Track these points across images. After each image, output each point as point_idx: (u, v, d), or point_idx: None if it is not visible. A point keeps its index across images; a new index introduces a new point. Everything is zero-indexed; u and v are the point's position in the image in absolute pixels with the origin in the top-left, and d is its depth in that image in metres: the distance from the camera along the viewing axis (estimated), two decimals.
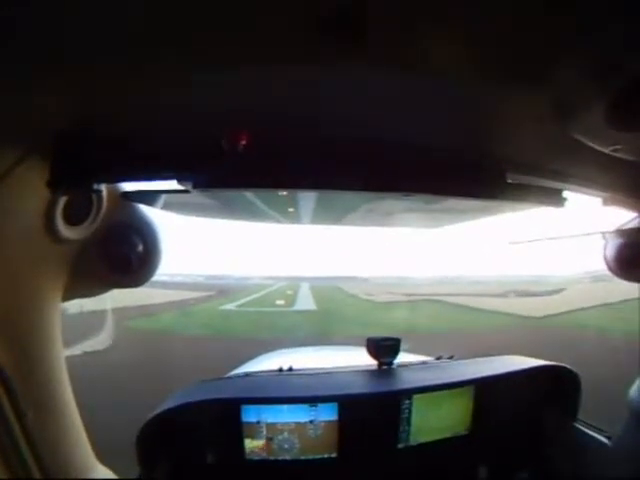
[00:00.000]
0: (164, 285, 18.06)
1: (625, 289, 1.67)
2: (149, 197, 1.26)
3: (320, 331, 12.56)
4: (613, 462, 1.64)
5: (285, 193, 1.44)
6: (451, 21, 0.61)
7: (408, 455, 1.86)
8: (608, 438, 1.76)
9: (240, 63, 0.70)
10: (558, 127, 0.88)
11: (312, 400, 1.78)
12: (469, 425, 1.93)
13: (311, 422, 1.78)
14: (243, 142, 0.90)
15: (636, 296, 1.55)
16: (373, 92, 0.80)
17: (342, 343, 4.53)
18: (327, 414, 1.78)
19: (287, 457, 1.78)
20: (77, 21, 0.58)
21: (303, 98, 0.85)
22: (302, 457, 1.79)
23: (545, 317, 14.44)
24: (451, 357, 2.32)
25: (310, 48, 0.66)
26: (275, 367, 2.13)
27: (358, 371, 2.10)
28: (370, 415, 1.80)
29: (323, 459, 1.80)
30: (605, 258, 1.61)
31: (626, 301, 1.70)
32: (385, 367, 2.12)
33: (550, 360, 2.10)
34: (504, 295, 21.24)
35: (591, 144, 0.88)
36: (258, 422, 1.75)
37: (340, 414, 1.78)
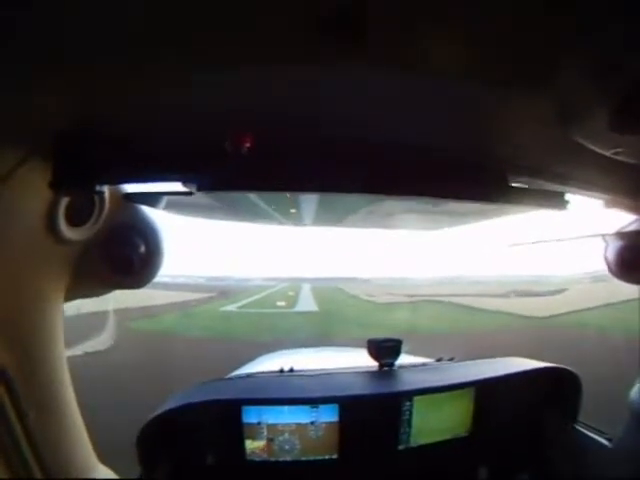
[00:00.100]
0: (165, 286, 18.05)
1: (628, 289, 1.66)
2: (151, 198, 1.26)
3: (321, 332, 12.55)
4: (614, 464, 1.64)
5: (287, 194, 1.44)
6: (451, 21, 0.61)
7: (408, 457, 1.86)
8: (609, 440, 1.76)
9: (240, 63, 0.70)
10: (560, 130, 0.87)
11: (313, 401, 1.78)
12: (470, 427, 1.93)
13: (312, 423, 1.77)
14: (247, 144, 0.90)
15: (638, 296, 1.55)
16: (373, 92, 0.80)
17: (343, 344, 4.52)
18: (328, 415, 1.78)
19: (288, 458, 1.78)
20: (77, 21, 0.58)
21: (303, 98, 0.85)
22: (303, 458, 1.79)
23: (550, 317, 14.40)
24: (452, 359, 2.31)
25: (310, 48, 0.66)
26: (276, 368, 2.13)
27: (359, 372, 2.10)
28: (371, 416, 1.80)
29: (324, 460, 1.80)
30: (606, 260, 1.61)
31: (629, 301, 1.69)
32: (386, 368, 2.11)
33: (557, 361, 2.10)
34: (506, 295, 21.21)
35: (592, 147, 0.88)
36: (259, 423, 1.74)
37: (341, 415, 1.78)
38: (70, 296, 1.23)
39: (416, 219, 2.02)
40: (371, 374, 2.09)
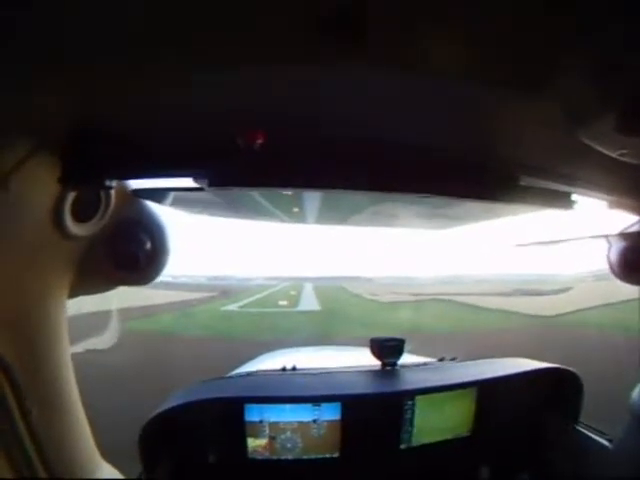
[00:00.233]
0: (167, 286, 18.10)
1: (632, 288, 1.66)
2: (160, 194, 1.25)
3: (323, 332, 12.54)
4: (614, 465, 1.63)
5: (290, 193, 1.44)
6: (451, 21, 0.61)
7: (410, 456, 1.86)
8: (609, 441, 1.76)
9: (240, 63, 0.70)
10: (565, 130, 0.87)
11: (315, 399, 1.78)
12: (471, 427, 1.93)
13: (314, 421, 1.78)
14: (259, 140, 0.90)
15: None
16: (373, 92, 0.80)
17: (346, 344, 4.52)
18: (330, 414, 1.78)
19: (289, 456, 1.78)
20: (77, 21, 0.58)
21: (303, 98, 0.85)
22: (304, 457, 1.79)
23: (556, 316, 14.32)
24: (454, 358, 2.32)
25: (310, 48, 0.66)
26: (278, 366, 2.14)
27: (361, 371, 2.11)
28: (373, 415, 1.80)
29: (325, 459, 1.80)
30: (608, 261, 1.61)
31: (633, 300, 1.69)
32: (388, 368, 2.12)
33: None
34: (510, 294, 21.15)
35: (598, 148, 0.88)
36: (261, 421, 1.75)
37: (343, 414, 1.78)
38: (74, 292, 1.22)
39: (420, 219, 2.02)
40: (374, 373, 2.09)
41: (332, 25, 0.60)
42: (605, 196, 1.34)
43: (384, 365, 2.12)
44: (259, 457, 1.77)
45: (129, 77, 0.74)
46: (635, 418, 1.56)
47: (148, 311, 14.49)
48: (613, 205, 1.39)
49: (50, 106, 0.81)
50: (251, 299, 23.44)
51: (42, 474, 1.03)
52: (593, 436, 1.85)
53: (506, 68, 0.71)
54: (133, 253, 1.26)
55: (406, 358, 2.18)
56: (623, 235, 1.56)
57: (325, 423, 1.78)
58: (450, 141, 1.02)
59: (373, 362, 2.14)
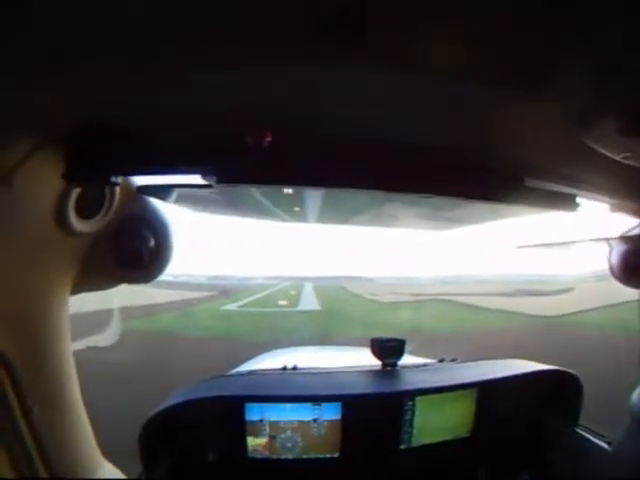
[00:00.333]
0: (168, 285, 18.08)
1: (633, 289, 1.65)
2: (164, 191, 1.24)
3: (323, 332, 12.52)
4: (613, 468, 1.63)
5: (291, 192, 1.45)
6: (451, 21, 0.61)
7: (410, 456, 1.86)
8: (609, 444, 1.76)
9: (240, 63, 0.70)
10: (566, 131, 0.87)
11: (316, 399, 1.78)
12: (471, 428, 1.93)
13: (314, 421, 1.78)
14: (267, 138, 0.90)
15: None
16: (373, 92, 0.80)
17: (346, 344, 4.51)
18: (331, 413, 1.78)
19: (289, 456, 1.79)
20: (77, 21, 0.58)
21: (303, 98, 0.86)
22: (304, 456, 1.79)
23: (560, 316, 14.27)
24: (454, 359, 2.32)
25: (310, 48, 0.66)
26: (278, 366, 2.14)
27: (362, 371, 2.11)
28: (373, 415, 1.80)
29: (325, 459, 1.80)
30: (609, 263, 1.60)
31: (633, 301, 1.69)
32: (389, 368, 2.12)
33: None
34: (512, 294, 21.10)
35: (602, 151, 0.88)
36: (261, 420, 1.75)
37: (343, 414, 1.78)
38: (77, 289, 1.22)
39: (421, 219, 2.03)
40: (374, 373, 2.09)
41: (332, 25, 0.60)
42: (607, 199, 1.34)
43: (384, 365, 2.12)
44: (259, 456, 1.77)
45: (130, 76, 0.74)
46: (635, 421, 1.56)
47: (148, 310, 14.47)
48: (615, 208, 1.39)
49: (53, 103, 0.81)
50: (251, 299, 23.41)
51: (42, 472, 1.03)
52: (592, 438, 1.86)
53: (506, 68, 0.71)
54: (137, 250, 1.26)
55: (406, 359, 2.19)
56: (624, 238, 1.56)
57: (325, 423, 1.78)
58: (450, 141, 1.02)
59: (374, 362, 2.14)
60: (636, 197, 1.31)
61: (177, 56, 0.68)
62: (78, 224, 1.09)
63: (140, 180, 1.22)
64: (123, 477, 1.40)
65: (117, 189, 1.15)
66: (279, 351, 3.52)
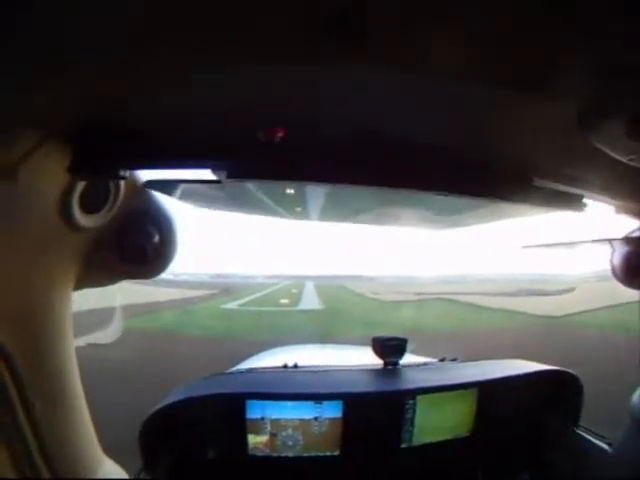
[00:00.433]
0: (168, 283, 18.09)
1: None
2: (170, 186, 1.22)
3: (325, 331, 12.50)
4: (613, 468, 1.63)
5: (293, 192, 1.45)
6: (451, 21, 0.61)
7: (410, 455, 1.87)
8: (609, 444, 1.76)
9: (240, 63, 0.71)
10: (569, 132, 0.86)
11: (318, 397, 1.79)
12: (471, 427, 1.94)
13: (316, 419, 1.78)
14: (280, 134, 0.90)
15: None
16: (373, 92, 0.80)
17: (347, 343, 4.51)
18: (332, 411, 1.79)
19: (290, 454, 1.79)
20: (77, 21, 0.58)
21: (303, 98, 0.86)
22: (305, 454, 1.80)
23: (564, 316, 14.22)
24: (454, 359, 2.32)
25: (310, 48, 0.66)
26: (279, 363, 2.15)
27: (364, 370, 2.11)
28: (374, 414, 1.81)
29: (326, 457, 1.81)
30: (611, 265, 1.60)
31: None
32: (390, 367, 2.12)
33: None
34: (515, 294, 21.05)
35: (607, 152, 0.87)
36: (262, 418, 1.76)
37: (345, 412, 1.79)
38: (80, 285, 1.21)
39: (424, 219, 2.03)
40: (375, 372, 2.10)
41: (332, 25, 0.60)
42: (611, 200, 1.34)
43: (386, 364, 2.13)
44: (259, 454, 1.78)
45: (130, 76, 0.74)
46: (635, 422, 1.55)
47: (149, 308, 14.49)
48: (619, 209, 1.38)
49: (58, 96, 0.80)
50: (252, 297, 23.42)
51: (43, 468, 1.03)
52: (592, 439, 1.86)
53: (506, 68, 0.70)
54: (141, 246, 1.24)
55: (407, 358, 2.19)
56: (626, 240, 1.56)
57: (326, 421, 1.79)
58: (450, 141, 1.02)
59: (375, 361, 2.14)
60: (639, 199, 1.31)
61: (176, 56, 0.68)
62: (82, 219, 1.08)
63: (147, 175, 1.20)
64: (124, 474, 1.40)
65: (122, 184, 1.14)
66: (280, 349, 3.52)
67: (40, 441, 1.02)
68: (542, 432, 2.04)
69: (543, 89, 0.75)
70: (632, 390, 1.61)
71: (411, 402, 1.85)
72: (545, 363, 2.16)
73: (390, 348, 2.13)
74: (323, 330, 12.81)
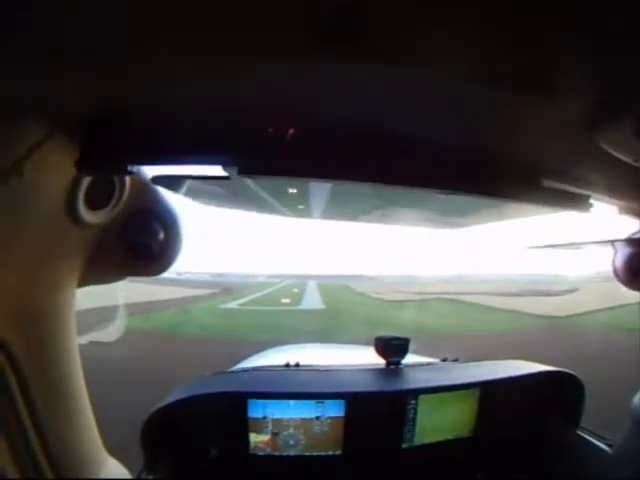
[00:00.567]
0: (170, 282, 18.13)
1: None
2: (177, 182, 1.20)
3: (326, 331, 12.50)
4: (614, 470, 1.63)
5: (295, 190, 1.45)
6: (451, 21, 0.60)
7: (412, 455, 1.87)
8: (609, 446, 1.76)
9: (240, 63, 0.71)
10: (574, 132, 0.86)
11: (320, 396, 1.79)
12: (473, 427, 1.93)
13: (317, 418, 1.78)
14: (292, 131, 0.90)
15: None
16: (373, 92, 0.80)
17: (349, 342, 4.51)
18: (334, 411, 1.79)
19: (291, 453, 1.79)
20: (77, 21, 0.58)
21: (303, 98, 0.86)
22: (307, 453, 1.80)
23: (567, 317, 14.18)
24: (456, 359, 2.32)
25: (310, 48, 0.66)
26: (281, 362, 2.14)
27: (366, 369, 2.11)
28: (376, 413, 1.81)
29: (327, 456, 1.81)
30: (613, 266, 1.59)
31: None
32: (393, 366, 2.12)
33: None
34: (519, 294, 21.02)
35: (613, 152, 0.87)
36: (264, 417, 1.76)
37: (347, 411, 1.79)
38: (83, 282, 1.20)
39: (427, 220, 2.02)
40: (378, 371, 2.10)
41: (332, 25, 0.60)
42: (617, 201, 1.33)
43: (388, 364, 2.13)
44: (261, 453, 1.78)
45: (130, 75, 0.74)
46: (636, 423, 1.55)
47: (150, 307, 14.51)
48: (622, 210, 1.37)
49: (66, 91, 0.79)
50: (253, 296, 23.45)
51: (47, 469, 1.03)
52: (593, 440, 1.85)
53: (506, 68, 0.70)
54: (146, 243, 1.23)
55: (409, 358, 2.19)
56: (629, 241, 1.55)
57: (328, 420, 1.79)
58: (451, 140, 1.02)
59: (377, 360, 2.14)
60: None
61: (176, 56, 0.68)
62: (87, 215, 1.07)
63: (154, 170, 1.18)
64: (127, 473, 1.40)
65: (127, 180, 1.13)
66: (282, 348, 3.52)
67: (43, 441, 1.02)
68: (543, 433, 2.03)
69: (543, 89, 0.75)
70: (633, 391, 1.60)
71: (413, 402, 1.85)
72: (547, 364, 2.15)
73: (392, 348, 2.13)
74: (325, 329, 12.82)
